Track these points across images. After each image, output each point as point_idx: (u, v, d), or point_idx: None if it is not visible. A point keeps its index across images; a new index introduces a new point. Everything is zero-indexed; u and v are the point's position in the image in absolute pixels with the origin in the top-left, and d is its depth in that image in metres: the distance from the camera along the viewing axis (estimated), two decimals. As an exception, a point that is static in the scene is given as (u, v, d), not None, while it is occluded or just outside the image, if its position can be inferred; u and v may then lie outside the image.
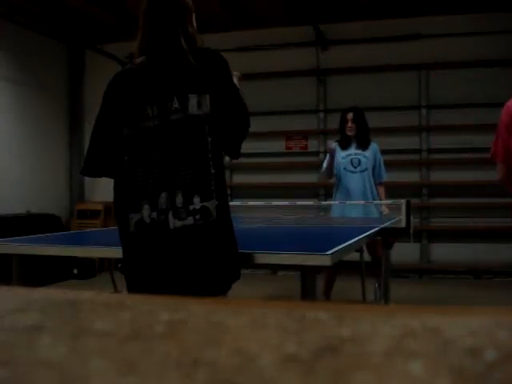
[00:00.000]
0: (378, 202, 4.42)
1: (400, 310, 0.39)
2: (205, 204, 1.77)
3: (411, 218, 3.47)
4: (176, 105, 1.80)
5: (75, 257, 5.00)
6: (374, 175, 4.52)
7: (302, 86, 7.24)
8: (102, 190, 7.95)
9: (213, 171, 1.79)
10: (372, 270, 4.46)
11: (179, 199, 1.76)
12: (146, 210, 1.79)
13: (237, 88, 1.88)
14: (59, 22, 7.15)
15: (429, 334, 0.33)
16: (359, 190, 4.40)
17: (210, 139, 1.79)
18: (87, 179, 8.06)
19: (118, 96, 1.87)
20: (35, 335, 0.34)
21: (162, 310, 0.40)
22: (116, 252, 2.39)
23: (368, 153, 4.46)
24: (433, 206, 6.93)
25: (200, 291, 1.78)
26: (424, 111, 6.95)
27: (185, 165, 1.77)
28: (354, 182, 4.41)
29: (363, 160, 4.43)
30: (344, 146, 4.50)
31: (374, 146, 4.53)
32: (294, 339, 0.32)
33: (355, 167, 4.41)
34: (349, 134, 4.48)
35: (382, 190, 4.58)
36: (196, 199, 1.77)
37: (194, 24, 1.94)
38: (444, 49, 6.80)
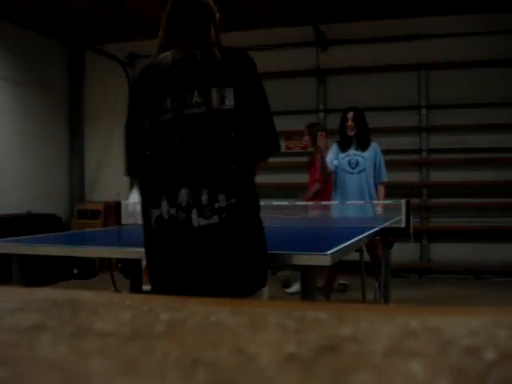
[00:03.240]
0: (376, 202, 4.41)
1: (400, 310, 0.39)
2: (229, 202, 1.72)
3: (411, 217, 3.47)
4: (197, 98, 1.75)
5: (75, 257, 5.00)
6: (374, 175, 4.52)
7: (302, 86, 7.24)
8: (101, 189, 7.96)
9: (233, 167, 1.73)
10: (372, 270, 4.46)
11: (204, 197, 1.71)
12: (164, 206, 1.75)
13: (262, 88, 1.84)
14: (59, 22, 7.15)
15: (429, 333, 0.33)
16: (356, 190, 4.43)
17: (233, 135, 1.74)
18: (87, 179, 8.07)
19: (141, 91, 1.86)
20: (35, 335, 0.34)
21: (161, 310, 0.40)
22: (116, 252, 2.39)
23: (367, 153, 4.47)
24: (433, 206, 6.93)
25: (222, 292, 1.73)
26: (424, 111, 6.94)
27: (208, 160, 1.72)
28: (352, 182, 4.45)
29: (361, 160, 4.45)
30: (344, 147, 4.52)
31: (374, 146, 4.53)
32: (293, 339, 0.32)
33: (353, 168, 4.45)
34: (349, 133, 4.49)
35: (381, 190, 4.58)
36: (221, 197, 1.71)
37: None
38: (444, 49, 6.80)
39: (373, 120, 6.95)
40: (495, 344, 0.31)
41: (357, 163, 4.44)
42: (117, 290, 4.59)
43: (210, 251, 1.74)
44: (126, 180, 7.93)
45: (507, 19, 6.55)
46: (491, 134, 6.71)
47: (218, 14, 1.92)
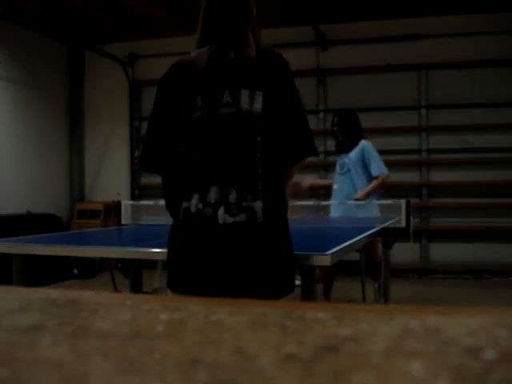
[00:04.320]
0: (380, 201, 4.42)
1: (400, 310, 0.39)
2: (252, 204, 1.71)
3: (411, 217, 3.47)
4: (227, 98, 1.75)
5: (75, 257, 5.00)
6: (367, 172, 4.54)
7: (302, 86, 7.20)
8: (101, 190, 7.96)
9: (260, 171, 1.73)
10: (372, 272, 4.46)
11: (233, 195, 1.71)
12: (194, 200, 1.76)
13: (296, 91, 1.81)
14: (59, 22, 7.15)
15: (428, 333, 0.33)
16: (342, 190, 4.54)
17: (259, 138, 1.73)
18: (87, 179, 8.07)
19: (172, 87, 1.85)
20: (35, 335, 0.34)
21: (161, 310, 0.40)
22: (116, 252, 2.39)
23: (352, 153, 4.52)
24: (433, 206, 6.93)
25: (244, 293, 1.70)
26: (424, 111, 6.94)
27: (236, 162, 1.73)
28: (340, 183, 4.58)
29: (346, 162, 4.55)
30: (339, 150, 4.66)
31: (361, 145, 4.53)
32: (293, 339, 0.32)
33: (342, 169, 4.59)
34: (339, 138, 4.60)
35: (373, 182, 4.52)
36: (249, 197, 1.72)
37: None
38: (444, 49, 6.80)
39: (373, 120, 6.96)
40: (495, 344, 0.31)
41: (344, 165, 4.57)
42: (117, 290, 4.59)
43: (234, 249, 1.72)
44: (126, 180, 7.94)
45: (507, 19, 6.55)
46: (491, 134, 6.71)
47: (254, 10, 1.90)
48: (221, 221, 1.71)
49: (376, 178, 4.53)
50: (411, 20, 6.84)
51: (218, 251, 1.73)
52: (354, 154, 4.51)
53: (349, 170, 4.53)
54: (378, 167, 4.53)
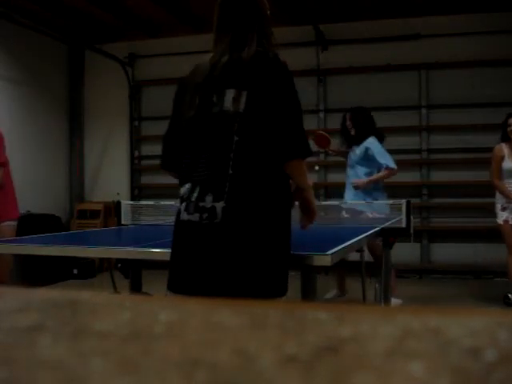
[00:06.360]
0: (380, 202, 4.43)
1: (400, 310, 0.39)
2: (214, 204, 1.72)
3: (411, 218, 3.47)
4: (214, 98, 1.80)
5: (75, 257, 4.99)
6: (376, 167, 4.68)
7: (302, 86, 7.21)
8: (101, 190, 7.95)
9: (230, 172, 1.72)
10: (373, 270, 4.47)
11: (195, 194, 1.77)
12: (180, 194, 1.87)
13: (290, 92, 1.78)
14: (59, 22, 7.15)
15: (429, 334, 0.33)
16: (348, 181, 4.81)
17: (236, 138, 1.72)
18: (87, 179, 8.07)
19: (181, 89, 1.95)
20: (35, 335, 0.34)
21: (161, 310, 0.40)
22: (116, 252, 2.39)
23: (358, 149, 4.71)
24: (433, 206, 6.93)
25: (203, 291, 1.73)
26: (424, 111, 6.94)
27: (208, 161, 1.76)
28: (348, 175, 4.85)
29: (352, 157, 4.80)
30: (348, 145, 4.87)
31: (366, 141, 4.68)
32: (293, 339, 0.32)
33: (350, 163, 4.85)
34: (351, 133, 4.78)
35: (382, 172, 4.64)
36: (208, 198, 1.74)
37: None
38: (444, 49, 6.79)
39: (373, 120, 6.95)
40: (496, 345, 0.31)
41: (350, 158, 4.82)
42: (117, 290, 4.59)
43: (190, 245, 1.79)
44: (125, 180, 7.93)
45: (507, 19, 6.55)
46: (491, 134, 6.70)
47: (267, 12, 1.91)
48: (181, 217, 1.81)
49: (386, 168, 4.58)
50: (411, 20, 6.84)
51: (178, 246, 1.82)
52: (359, 149, 4.69)
53: (353, 165, 4.75)
54: (385, 161, 4.62)
